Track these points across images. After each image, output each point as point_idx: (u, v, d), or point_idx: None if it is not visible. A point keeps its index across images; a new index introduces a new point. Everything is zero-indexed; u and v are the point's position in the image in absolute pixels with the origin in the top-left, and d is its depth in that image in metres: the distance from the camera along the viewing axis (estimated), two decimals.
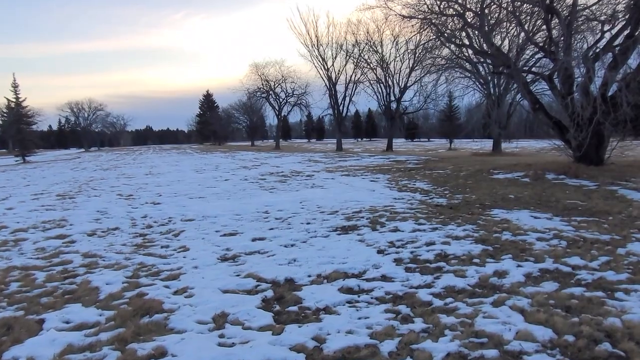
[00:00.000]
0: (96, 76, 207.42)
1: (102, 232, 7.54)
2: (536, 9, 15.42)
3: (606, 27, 13.42)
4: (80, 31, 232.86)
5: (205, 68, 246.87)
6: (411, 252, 5.66)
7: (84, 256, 5.94)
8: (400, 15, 18.32)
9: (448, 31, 17.92)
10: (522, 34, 17.23)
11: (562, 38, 13.95)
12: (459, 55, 21.84)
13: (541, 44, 15.99)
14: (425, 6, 17.20)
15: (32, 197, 12.36)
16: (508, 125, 30.68)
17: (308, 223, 7.74)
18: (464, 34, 18.47)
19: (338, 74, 40.00)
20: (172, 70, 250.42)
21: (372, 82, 38.41)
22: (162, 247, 6.43)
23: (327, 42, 40.32)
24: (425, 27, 17.71)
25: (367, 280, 4.73)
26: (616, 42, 13.12)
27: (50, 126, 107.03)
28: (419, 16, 17.46)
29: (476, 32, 17.64)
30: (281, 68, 48.34)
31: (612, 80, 12.96)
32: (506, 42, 21.49)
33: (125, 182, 15.93)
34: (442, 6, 16.82)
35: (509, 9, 15.57)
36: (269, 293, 4.44)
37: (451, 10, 16.84)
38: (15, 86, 40.11)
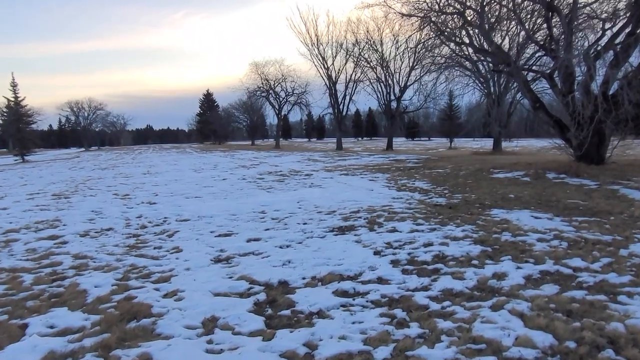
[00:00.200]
0: (96, 76, 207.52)
1: (95, 232, 7.42)
2: (537, 6, 15.29)
3: (607, 25, 13.29)
4: (81, 30, 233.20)
5: (205, 67, 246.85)
6: (408, 254, 5.53)
7: (74, 257, 5.82)
8: (399, 13, 18.17)
9: (448, 29, 17.78)
10: (523, 33, 17.09)
11: (562, 36, 13.81)
12: (459, 53, 21.69)
13: (542, 42, 15.85)
14: (425, 4, 17.07)
15: (28, 197, 12.25)
16: (508, 124, 30.54)
17: (305, 223, 7.62)
18: (464, 32, 18.33)
19: (338, 73, 39.89)
20: (172, 69, 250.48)
21: (372, 81, 38.30)
22: (155, 248, 6.31)
23: (327, 41, 40.21)
24: (425, 25, 17.57)
25: (363, 282, 4.61)
26: (617, 40, 12.97)
27: (50, 125, 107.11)
28: (419, 14, 17.32)
29: (476, 30, 17.50)
30: (281, 67, 48.20)
31: (614, 79, 12.82)
32: (506, 40, 21.40)
33: (122, 182, 15.82)
34: (441, 4, 16.69)
35: (509, 6, 15.42)
36: (262, 296, 4.32)
37: (451, 8, 16.71)
38: (14, 85, 40.08)
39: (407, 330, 3.46)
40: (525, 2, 15.39)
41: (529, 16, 16.79)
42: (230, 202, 10.34)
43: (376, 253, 5.63)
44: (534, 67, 18.80)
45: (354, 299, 4.16)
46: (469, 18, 16.63)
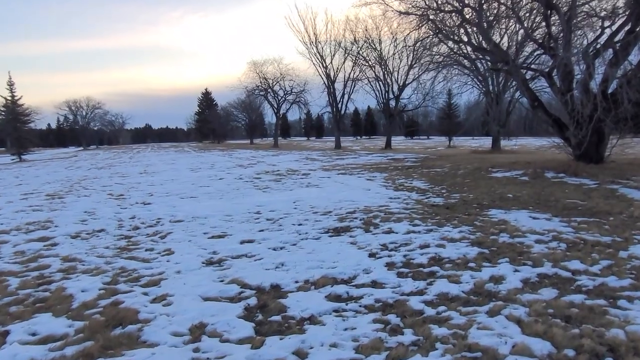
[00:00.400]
0: (95, 74, 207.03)
1: (87, 234, 7.30)
2: (535, 4, 15.18)
3: (606, 23, 13.18)
4: (80, 29, 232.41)
5: (204, 66, 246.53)
6: (404, 256, 5.42)
7: (63, 260, 5.70)
8: (397, 11, 18.04)
9: (446, 28, 17.66)
10: (522, 31, 16.96)
11: (561, 34, 13.70)
12: (458, 52, 21.58)
13: (540, 41, 15.73)
14: (423, 2, 16.96)
15: (21, 197, 12.11)
16: (507, 122, 30.45)
17: (300, 224, 7.50)
18: (462, 30, 18.21)
19: (336, 71, 39.72)
20: (171, 68, 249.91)
21: (370, 79, 38.20)
22: (146, 250, 6.19)
23: (325, 39, 40.04)
24: (423, 24, 17.44)
25: (357, 286, 4.49)
26: (617, 38, 12.86)
27: (49, 124, 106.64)
28: (417, 12, 17.19)
29: (474, 28, 17.39)
30: (279, 66, 48.06)
31: (613, 77, 12.71)
32: (505, 39, 21.28)
33: (118, 182, 15.68)
34: (439, 2, 16.56)
35: (508, 4, 15.31)
36: (252, 301, 4.20)
37: (449, 6, 16.59)
38: (10, 84, 39.84)
39: (400, 337, 3.35)
40: (524, 0, 15.27)
41: (527, 14, 16.69)
42: (226, 202, 10.22)
43: (371, 255, 5.52)
44: (532, 66, 18.69)
45: (347, 304, 4.05)
46: (467, 16, 16.51)
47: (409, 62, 33.78)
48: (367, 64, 37.64)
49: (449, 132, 49.69)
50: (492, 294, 4.12)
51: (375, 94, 38.36)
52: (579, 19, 13.96)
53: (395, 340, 3.31)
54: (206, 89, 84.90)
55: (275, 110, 51.47)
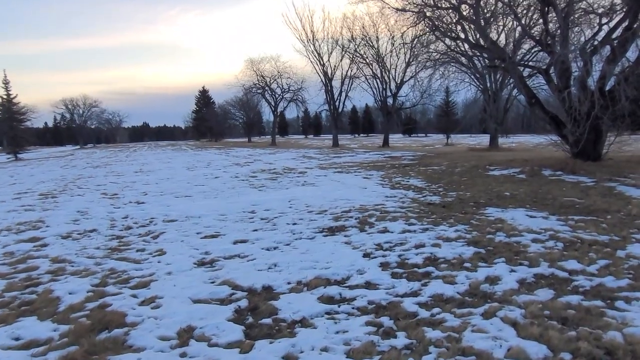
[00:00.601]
0: (93, 73, 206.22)
1: (78, 234, 7.19)
2: (532, 1, 15.09)
3: (604, 20, 13.11)
4: (79, 27, 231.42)
5: (201, 64, 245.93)
6: (399, 256, 5.34)
7: (52, 261, 5.60)
8: (393, 8, 17.93)
9: (443, 25, 17.56)
10: (519, 28, 16.88)
11: (559, 31, 13.61)
12: (455, 49, 21.49)
13: (538, 38, 15.64)
14: None
15: (14, 197, 11.99)
16: (505, 120, 30.38)
17: (294, 224, 7.41)
18: (459, 27, 18.12)
19: (334, 69, 39.59)
20: (169, 67, 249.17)
21: (368, 77, 38.07)
22: (137, 250, 6.09)
23: (322, 37, 39.84)
24: (420, 21, 17.33)
25: (350, 287, 4.41)
26: (614, 35, 12.78)
27: (45, 123, 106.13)
28: (413, 9, 17.08)
29: (472, 25, 17.29)
30: (277, 63, 47.86)
31: (610, 74, 12.65)
32: (503, 36, 21.23)
33: (112, 180, 15.55)
34: None
35: (505, 0, 15.21)
36: (243, 303, 4.12)
37: (446, 3, 16.49)
38: (6, 82, 39.55)
39: (393, 341, 3.27)
40: None
41: (525, 11, 16.60)
42: (220, 201, 10.12)
43: (365, 255, 5.44)
44: (530, 63, 18.62)
45: (339, 306, 3.96)
46: (464, 13, 16.42)
47: (407, 60, 33.81)
48: (364, 62, 37.53)
49: (446, 130, 49.63)
50: (487, 295, 4.05)
51: (373, 91, 38.29)
52: (576, 16, 13.89)
53: (388, 343, 3.23)
54: (203, 87, 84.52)
55: (273, 108, 51.33)
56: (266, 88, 49.71)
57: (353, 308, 3.91)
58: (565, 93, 12.81)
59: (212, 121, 73.71)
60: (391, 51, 35.47)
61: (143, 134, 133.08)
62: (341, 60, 38.97)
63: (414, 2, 16.97)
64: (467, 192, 9.96)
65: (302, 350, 3.19)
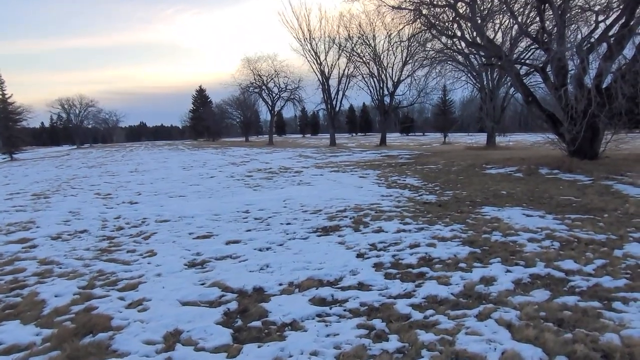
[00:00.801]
0: (91, 72, 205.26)
1: (69, 235, 7.08)
2: None
3: (601, 17, 13.02)
4: (77, 28, 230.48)
5: (198, 64, 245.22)
6: (393, 256, 5.25)
7: (40, 263, 5.49)
8: (389, 6, 17.82)
9: (439, 23, 17.47)
10: (516, 26, 16.80)
11: (555, 29, 13.54)
12: (451, 47, 21.40)
13: (534, 35, 15.57)
14: None
15: (6, 197, 11.85)
16: (502, 118, 30.31)
17: (288, 223, 7.32)
18: (455, 25, 18.03)
19: (331, 68, 39.52)
20: (166, 66, 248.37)
21: (365, 76, 38.01)
22: (127, 251, 5.99)
23: (319, 35, 39.97)
24: (416, 18, 17.24)
25: (343, 289, 4.32)
26: (611, 32, 12.71)
27: (42, 123, 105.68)
28: (409, 7, 16.99)
29: (468, 23, 17.21)
30: (274, 63, 47.76)
31: (607, 71, 12.58)
32: (499, 34, 21.15)
33: (107, 181, 15.41)
34: None
35: None
36: (233, 305, 4.02)
37: (442, 0, 16.38)
38: (0, 83, 39.29)
39: (385, 344, 3.18)
40: None
41: (521, 9, 16.51)
42: (215, 201, 10.02)
43: (359, 256, 5.35)
44: (526, 61, 18.54)
45: (330, 308, 3.88)
46: (460, 10, 16.33)
47: (403, 58, 33.69)
48: (361, 60, 37.46)
49: (444, 129, 49.59)
50: (482, 296, 3.96)
51: (370, 90, 38.21)
52: (573, 13, 13.81)
53: (380, 347, 3.14)
54: (200, 86, 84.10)
55: (270, 108, 51.20)
56: (263, 87, 49.64)
57: (345, 310, 3.82)
58: (562, 91, 12.75)
59: (209, 121, 73.46)
60: (388, 49, 35.43)
61: (140, 133, 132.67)
62: (338, 59, 38.96)
63: None
64: (463, 191, 9.88)
65: (290, 354, 3.10)
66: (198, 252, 5.80)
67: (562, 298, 3.82)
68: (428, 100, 38.80)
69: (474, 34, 18.27)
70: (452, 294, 4.05)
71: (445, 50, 21.11)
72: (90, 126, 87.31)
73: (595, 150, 13.34)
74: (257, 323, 3.64)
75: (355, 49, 37.11)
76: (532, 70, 18.37)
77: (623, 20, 12.35)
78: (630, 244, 5.35)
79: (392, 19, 20.05)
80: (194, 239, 6.62)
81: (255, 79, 48.92)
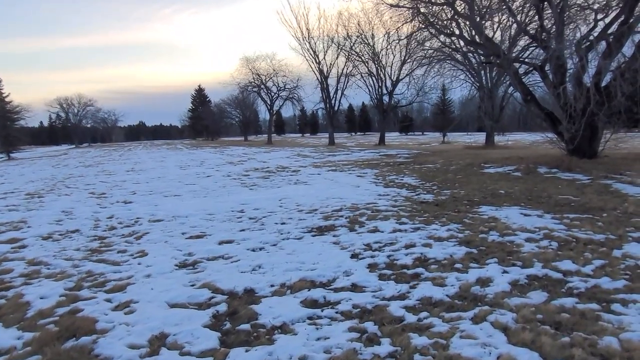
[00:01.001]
0: (90, 72, 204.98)
1: (60, 235, 6.97)
2: None
3: (600, 16, 12.92)
4: (75, 26, 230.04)
5: (197, 63, 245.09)
6: (388, 256, 5.15)
7: (28, 264, 5.38)
8: (387, 4, 17.70)
9: (437, 21, 17.36)
10: (514, 24, 16.70)
11: (554, 27, 13.44)
12: (450, 45, 21.29)
13: (533, 34, 15.46)
14: None
15: (0, 197, 11.72)
16: (501, 117, 30.21)
17: (283, 223, 7.21)
18: (454, 24, 17.93)
19: (330, 67, 39.42)
20: (165, 66, 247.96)
21: (363, 75, 37.88)
22: (118, 252, 5.88)
23: (318, 35, 39.75)
24: (414, 16, 17.13)
25: (335, 290, 4.22)
26: (610, 31, 12.61)
27: (41, 122, 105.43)
28: (407, 5, 16.88)
29: (467, 21, 17.10)
30: (272, 62, 47.66)
31: (606, 70, 12.47)
32: (498, 33, 21.03)
33: (102, 180, 15.30)
34: None
35: None
36: (222, 307, 3.92)
37: None
38: None
39: (376, 348, 3.08)
40: None
41: (520, 7, 16.41)
42: (210, 200, 9.91)
43: (353, 256, 5.24)
44: (525, 60, 18.44)
45: (322, 310, 3.77)
46: (459, 9, 16.22)
47: (402, 57, 33.55)
48: (360, 60, 37.35)
49: (443, 128, 49.50)
50: (478, 298, 3.86)
51: (369, 89, 38.10)
52: (572, 12, 13.71)
53: (371, 351, 3.04)
54: (199, 86, 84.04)
55: (269, 107, 51.10)
56: (262, 86, 49.53)
57: (337, 312, 3.72)
58: (561, 89, 12.64)
59: (208, 120, 73.33)
60: (387, 48, 35.28)
61: (139, 133, 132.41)
62: (337, 58, 38.84)
63: None
64: (461, 190, 9.79)
65: (279, 358, 3.00)
66: (190, 253, 5.70)
67: (560, 300, 3.72)
68: (427, 99, 38.78)
69: (473, 32, 18.14)
70: (447, 295, 3.95)
71: (443, 49, 21.03)
72: (89, 125, 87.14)
73: (594, 149, 13.24)
74: (246, 326, 3.54)
75: (354, 48, 37.04)
76: (530, 68, 18.28)
77: (622, 18, 12.25)
78: (629, 244, 5.26)
79: (391, 17, 19.90)
80: (186, 239, 6.52)
81: (254, 78, 48.86)
